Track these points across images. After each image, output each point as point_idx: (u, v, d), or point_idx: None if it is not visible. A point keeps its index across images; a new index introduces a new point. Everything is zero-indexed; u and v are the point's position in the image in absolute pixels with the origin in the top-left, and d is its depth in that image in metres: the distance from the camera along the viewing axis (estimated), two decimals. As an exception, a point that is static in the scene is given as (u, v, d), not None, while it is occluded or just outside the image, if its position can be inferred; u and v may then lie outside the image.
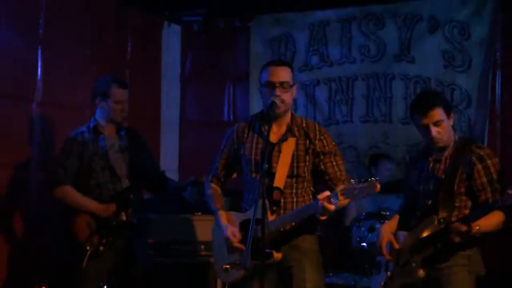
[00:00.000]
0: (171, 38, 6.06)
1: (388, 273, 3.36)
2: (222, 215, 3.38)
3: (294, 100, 5.57)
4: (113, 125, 4.02)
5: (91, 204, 3.88)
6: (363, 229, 4.73)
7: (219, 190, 3.49)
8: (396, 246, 3.31)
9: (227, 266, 3.28)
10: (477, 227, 2.96)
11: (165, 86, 5.96)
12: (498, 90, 5.18)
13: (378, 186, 2.86)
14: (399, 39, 5.45)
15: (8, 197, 4.34)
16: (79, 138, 3.95)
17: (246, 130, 3.39)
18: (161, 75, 5.92)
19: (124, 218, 3.90)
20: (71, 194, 3.89)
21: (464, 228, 2.93)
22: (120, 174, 3.99)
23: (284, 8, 5.76)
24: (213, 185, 3.49)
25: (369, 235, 4.60)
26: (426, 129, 3.18)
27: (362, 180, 2.90)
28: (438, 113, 3.15)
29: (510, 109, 5.09)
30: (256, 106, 5.72)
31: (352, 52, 5.59)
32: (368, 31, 5.55)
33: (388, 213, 4.54)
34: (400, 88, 5.44)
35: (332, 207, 2.94)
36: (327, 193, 2.97)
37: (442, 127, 3.17)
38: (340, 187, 2.94)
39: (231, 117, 6.04)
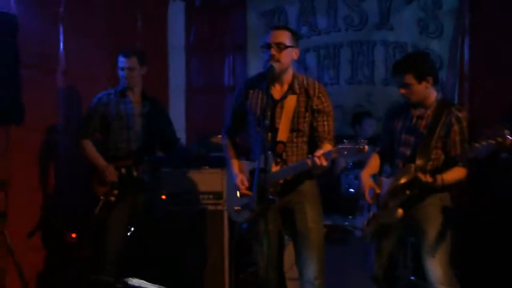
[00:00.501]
0: (176, 13, 6.30)
1: (371, 213, 3.61)
2: (235, 164, 3.56)
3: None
4: (138, 92, 4.34)
5: (100, 162, 4.21)
6: (350, 177, 5.04)
7: (231, 141, 3.66)
8: (377, 190, 3.56)
9: (238, 208, 3.52)
10: (441, 180, 3.29)
11: (172, 57, 6.22)
12: (466, 54, 5.44)
13: (366, 148, 3.01)
14: (379, 9, 5.71)
15: (40, 158, 4.63)
16: (104, 99, 4.32)
17: (253, 88, 3.52)
18: (168, 47, 6.18)
19: (135, 173, 4.22)
20: (88, 148, 4.27)
21: (429, 179, 3.27)
22: (136, 136, 4.30)
23: None
24: (226, 136, 3.67)
25: (356, 182, 4.85)
26: (399, 89, 3.49)
27: (353, 142, 3.04)
28: (407, 78, 3.41)
29: (477, 71, 5.34)
30: (252, 72, 5.94)
31: (338, 22, 5.85)
32: (351, 3, 5.82)
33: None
34: (381, 53, 5.73)
35: (325, 163, 3.11)
36: (321, 151, 3.16)
37: (410, 90, 3.43)
38: (335, 148, 3.09)
39: (231, 82, 6.37)
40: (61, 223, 4.69)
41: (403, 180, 3.41)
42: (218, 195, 4.82)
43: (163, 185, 4.56)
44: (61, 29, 4.90)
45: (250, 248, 4.62)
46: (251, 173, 3.46)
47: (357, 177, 4.74)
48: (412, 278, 4.39)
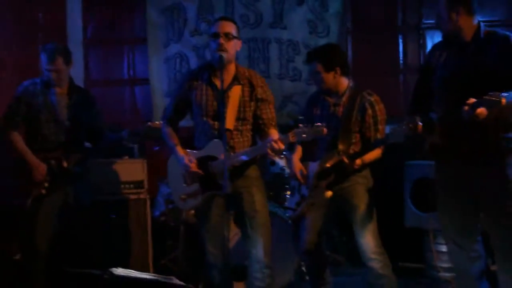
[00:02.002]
0: (74, 5, 5.90)
1: (301, 195, 3.73)
2: (180, 149, 3.43)
3: (187, 60, 5.88)
4: (65, 84, 4.02)
5: (31, 159, 3.90)
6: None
7: (172, 130, 3.54)
8: (305, 172, 3.66)
9: (184, 196, 3.43)
10: (360, 161, 3.47)
11: (71, 48, 5.76)
12: (349, 52, 5.75)
13: (325, 130, 3.08)
14: (273, 9, 5.78)
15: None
16: (30, 88, 3.97)
17: (196, 79, 3.43)
18: (67, 39, 5.80)
19: (65, 165, 3.94)
20: (17, 142, 3.94)
21: (351, 163, 3.43)
22: (64, 128, 4.00)
23: None
24: (167, 125, 3.55)
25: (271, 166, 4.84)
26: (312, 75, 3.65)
27: (310, 125, 3.10)
28: (319, 67, 3.53)
29: (358, 66, 5.50)
30: (154, 66, 5.95)
31: (235, 20, 5.86)
32: (247, 3, 5.82)
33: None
34: (275, 50, 5.80)
35: (282, 146, 3.13)
36: (277, 135, 3.21)
37: (320, 78, 3.56)
38: (292, 132, 3.10)
39: (131, 75, 6.08)
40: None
41: (328, 164, 3.53)
42: (139, 184, 4.67)
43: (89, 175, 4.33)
44: None
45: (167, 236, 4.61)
46: (198, 160, 3.37)
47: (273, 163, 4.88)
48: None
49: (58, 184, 3.94)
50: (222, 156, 3.25)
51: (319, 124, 3.09)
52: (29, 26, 5.28)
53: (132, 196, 4.63)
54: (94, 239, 4.41)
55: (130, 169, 4.66)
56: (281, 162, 4.75)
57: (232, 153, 3.32)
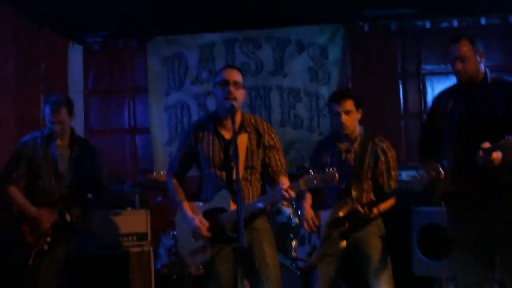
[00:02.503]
0: (75, 57, 5.88)
1: (312, 245, 3.55)
2: (187, 206, 3.26)
3: (188, 109, 5.80)
4: (66, 136, 3.88)
5: (30, 210, 3.74)
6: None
7: (179, 184, 3.36)
8: (317, 222, 3.49)
9: (193, 252, 3.22)
10: (376, 210, 3.34)
11: (73, 98, 5.68)
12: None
13: (337, 176, 2.95)
14: (274, 58, 5.78)
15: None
16: (30, 144, 3.83)
17: (202, 130, 3.28)
18: (68, 89, 5.72)
19: (68, 219, 3.77)
20: (16, 196, 3.78)
21: (367, 212, 3.30)
22: (66, 181, 3.84)
23: (176, 30, 5.81)
24: (174, 180, 3.35)
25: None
26: (338, 116, 3.43)
27: (321, 171, 2.96)
28: (349, 104, 3.43)
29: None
30: (154, 114, 5.88)
31: (235, 68, 5.85)
32: (248, 51, 5.82)
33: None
34: (276, 97, 5.76)
35: (293, 194, 2.97)
36: (288, 183, 3.05)
37: (350, 116, 3.43)
38: (302, 180, 2.97)
39: (132, 125, 6.00)
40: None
41: (341, 213, 3.41)
42: (143, 236, 4.52)
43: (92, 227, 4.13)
44: None
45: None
46: (206, 213, 3.20)
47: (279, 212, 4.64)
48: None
49: (60, 237, 3.76)
50: (231, 208, 3.10)
51: (330, 170, 2.96)
52: (31, 76, 5.11)
53: (135, 249, 4.47)
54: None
55: (133, 221, 4.51)
56: (288, 211, 4.56)
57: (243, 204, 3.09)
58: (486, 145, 2.78)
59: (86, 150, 4.01)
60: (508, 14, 5.57)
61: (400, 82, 5.75)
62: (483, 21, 5.60)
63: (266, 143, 3.27)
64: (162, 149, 5.79)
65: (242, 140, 3.22)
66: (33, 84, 5.09)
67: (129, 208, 4.61)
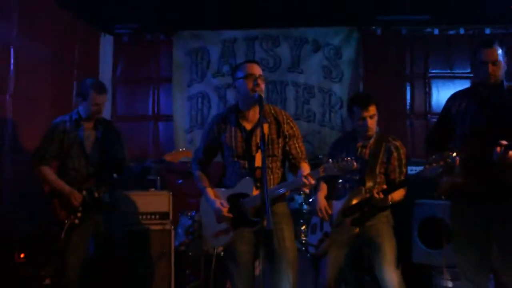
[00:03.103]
0: (106, 47, 6.04)
1: (323, 232, 3.65)
2: (210, 191, 3.37)
3: (208, 99, 5.96)
4: (92, 119, 4.02)
5: (63, 187, 3.86)
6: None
7: (203, 172, 3.48)
8: (329, 211, 3.61)
9: (216, 234, 3.33)
10: (391, 198, 3.44)
11: (102, 85, 5.94)
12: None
13: (355, 164, 3.03)
14: (291, 55, 5.92)
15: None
16: (61, 127, 3.96)
17: (224, 122, 3.37)
18: (99, 77, 5.85)
19: (96, 195, 3.91)
20: (48, 174, 3.90)
21: (382, 197, 3.38)
22: (93, 161, 3.98)
23: (201, 26, 5.97)
24: (198, 167, 3.48)
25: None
26: (363, 120, 3.51)
27: (340, 159, 3.05)
28: (374, 109, 3.54)
29: None
30: (177, 103, 6.07)
31: (256, 64, 6.00)
32: (267, 48, 5.97)
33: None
34: (292, 93, 5.90)
35: (313, 182, 3.05)
36: (308, 169, 3.15)
37: (373, 120, 3.55)
38: (322, 167, 3.06)
39: (156, 112, 6.17)
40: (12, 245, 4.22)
41: (355, 201, 3.52)
42: (165, 216, 4.65)
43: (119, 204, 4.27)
44: (12, 53, 4.47)
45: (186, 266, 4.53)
46: (229, 198, 3.33)
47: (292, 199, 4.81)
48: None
49: (90, 214, 3.91)
50: (254, 193, 3.22)
51: (348, 158, 3.05)
52: (66, 63, 5.30)
53: (158, 227, 4.58)
54: (122, 267, 4.32)
55: (156, 201, 4.63)
56: (300, 198, 4.75)
57: (274, 186, 3.25)
58: (504, 142, 2.90)
59: (110, 131, 4.14)
60: (510, 25, 5.74)
61: (407, 84, 5.91)
62: (487, 30, 5.76)
63: (286, 132, 3.32)
64: (183, 136, 5.99)
65: (263, 130, 3.22)
66: (68, 70, 5.27)
67: (153, 189, 4.76)
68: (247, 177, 3.29)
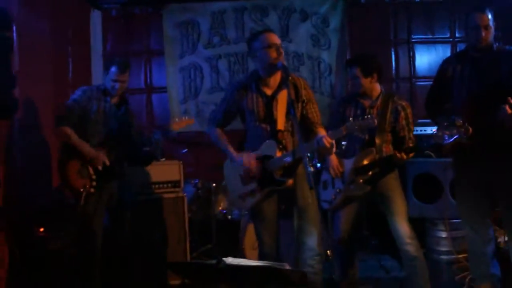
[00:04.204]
0: (96, 22, 5.98)
1: (337, 189, 3.81)
2: (233, 150, 3.46)
3: (200, 70, 6.03)
4: (116, 94, 4.05)
5: (85, 147, 3.89)
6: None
7: (222, 132, 3.55)
8: (341, 169, 3.77)
9: (243, 195, 3.43)
10: (405, 156, 3.66)
11: (93, 61, 5.88)
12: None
13: (376, 121, 3.17)
14: (280, 25, 5.99)
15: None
16: (88, 93, 4.01)
17: (245, 89, 3.45)
18: (91, 52, 5.85)
19: (107, 163, 3.94)
20: (70, 134, 3.90)
21: (405, 157, 3.63)
22: (109, 133, 4.02)
23: None
24: (217, 129, 3.55)
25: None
26: (357, 79, 3.67)
27: (360, 118, 3.18)
28: (356, 72, 3.65)
29: None
30: (170, 75, 6.09)
31: (245, 34, 5.99)
32: (256, 19, 6.02)
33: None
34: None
35: (333, 141, 3.19)
36: (325, 132, 3.27)
37: (358, 82, 3.66)
38: (344, 125, 3.19)
39: (148, 84, 6.20)
40: (25, 219, 4.18)
41: (366, 161, 3.70)
42: (176, 184, 4.75)
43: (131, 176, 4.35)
44: (14, 31, 4.27)
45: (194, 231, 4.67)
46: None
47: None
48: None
49: (103, 182, 3.96)
50: (277, 154, 3.36)
51: (368, 116, 3.17)
52: (62, 40, 5.25)
53: (170, 195, 4.69)
54: (137, 233, 4.43)
55: (168, 170, 4.73)
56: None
57: (285, 152, 3.38)
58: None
59: (129, 111, 4.23)
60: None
61: (392, 49, 6.13)
62: (465, -4, 6.00)
63: (304, 97, 3.44)
64: (178, 107, 6.06)
65: (283, 95, 3.39)
66: (63, 47, 5.23)
67: (164, 159, 4.84)
68: (270, 140, 3.41)
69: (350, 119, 3.25)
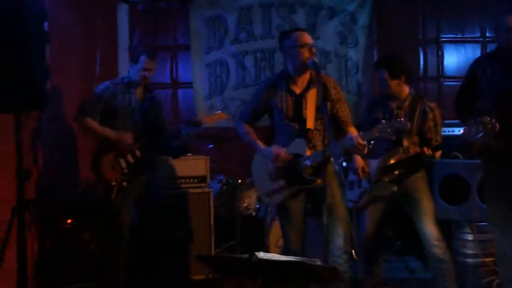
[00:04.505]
0: (122, 15, 5.99)
1: (363, 188, 3.82)
2: (261, 144, 3.51)
3: (227, 66, 6.04)
4: (142, 85, 4.09)
5: (109, 133, 3.94)
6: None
7: (250, 128, 3.61)
8: (367, 169, 3.81)
9: (271, 192, 3.47)
10: (438, 154, 3.70)
11: (120, 54, 5.90)
12: (375, 60, 5.78)
13: (409, 124, 3.20)
14: (307, 22, 5.95)
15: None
16: (111, 87, 4.04)
17: (274, 87, 3.50)
18: (118, 45, 5.88)
19: (138, 154, 3.97)
20: (92, 123, 3.96)
21: (431, 153, 3.62)
22: (136, 126, 4.05)
23: None
24: (245, 125, 3.62)
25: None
26: (386, 81, 3.68)
27: (393, 120, 3.21)
28: (384, 74, 3.70)
29: None
30: (196, 70, 6.09)
31: (271, 30, 5.98)
32: (283, 15, 5.99)
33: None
34: (309, 58, 6.05)
35: (364, 142, 3.23)
36: (356, 132, 3.30)
37: (386, 84, 3.71)
38: (376, 128, 3.22)
39: (174, 79, 6.19)
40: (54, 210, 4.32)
41: (392, 161, 3.71)
42: (203, 179, 4.78)
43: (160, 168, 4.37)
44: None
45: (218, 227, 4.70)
46: None
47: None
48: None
49: (134, 175, 3.99)
50: (307, 153, 3.38)
51: (401, 119, 3.21)
52: (89, 31, 5.34)
53: (196, 190, 4.73)
54: (163, 229, 4.47)
55: (195, 165, 4.76)
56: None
57: (314, 151, 3.41)
58: None
59: (155, 101, 4.23)
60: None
61: (420, 48, 6.07)
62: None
63: (333, 97, 3.47)
64: (203, 102, 6.07)
65: (312, 94, 3.43)
66: (91, 39, 5.30)
67: (190, 154, 4.87)
68: (300, 138, 3.43)
69: (383, 121, 3.26)
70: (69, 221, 4.29)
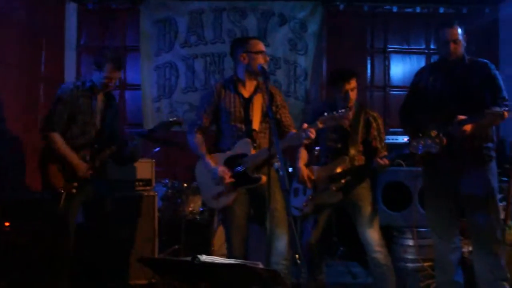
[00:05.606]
0: (71, 14, 5.95)
1: (309, 196, 3.85)
2: (209, 159, 3.53)
3: (176, 69, 6.07)
4: (103, 90, 3.97)
5: (71, 157, 3.83)
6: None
7: (202, 139, 3.60)
8: (312, 177, 3.82)
9: (217, 196, 3.48)
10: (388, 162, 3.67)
11: (67, 54, 5.86)
12: (324, 68, 6.17)
13: (350, 114, 3.33)
14: (258, 27, 6.07)
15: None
16: (74, 91, 3.90)
17: (223, 90, 3.56)
18: (65, 44, 5.82)
19: (97, 164, 3.90)
20: (60, 142, 3.83)
21: (387, 163, 3.62)
22: (96, 130, 3.96)
23: None
24: (198, 135, 3.59)
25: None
26: (346, 93, 3.70)
27: (335, 112, 3.24)
28: (355, 82, 3.74)
29: None
30: (145, 72, 6.12)
31: (222, 35, 6.07)
32: (234, 20, 6.08)
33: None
34: (258, 64, 6.14)
35: (314, 134, 3.27)
36: (306, 124, 3.30)
37: (354, 92, 3.75)
38: (320, 119, 3.25)
39: (122, 80, 6.16)
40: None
41: (339, 169, 3.77)
42: (148, 182, 4.77)
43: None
44: None
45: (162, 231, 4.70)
46: (226, 161, 3.51)
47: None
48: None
49: (83, 182, 3.91)
50: (252, 152, 3.44)
51: (342, 110, 3.25)
52: (36, 31, 5.21)
53: (142, 193, 4.67)
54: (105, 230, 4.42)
55: (140, 168, 4.74)
56: (277, 164, 4.99)
57: (261, 149, 3.45)
58: (461, 117, 3.27)
59: (112, 104, 4.13)
60: (461, 6, 6.21)
61: (368, 57, 6.28)
62: (441, 10, 6.19)
63: (278, 103, 3.62)
64: (151, 105, 6.07)
65: (258, 99, 3.55)
66: (37, 38, 5.20)
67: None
68: (244, 139, 3.50)
69: (325, 113, 3.31)
70: (6, 223, 4.16)
